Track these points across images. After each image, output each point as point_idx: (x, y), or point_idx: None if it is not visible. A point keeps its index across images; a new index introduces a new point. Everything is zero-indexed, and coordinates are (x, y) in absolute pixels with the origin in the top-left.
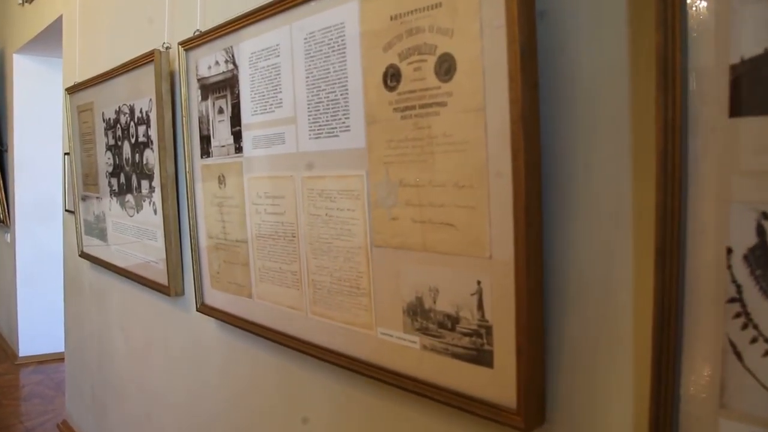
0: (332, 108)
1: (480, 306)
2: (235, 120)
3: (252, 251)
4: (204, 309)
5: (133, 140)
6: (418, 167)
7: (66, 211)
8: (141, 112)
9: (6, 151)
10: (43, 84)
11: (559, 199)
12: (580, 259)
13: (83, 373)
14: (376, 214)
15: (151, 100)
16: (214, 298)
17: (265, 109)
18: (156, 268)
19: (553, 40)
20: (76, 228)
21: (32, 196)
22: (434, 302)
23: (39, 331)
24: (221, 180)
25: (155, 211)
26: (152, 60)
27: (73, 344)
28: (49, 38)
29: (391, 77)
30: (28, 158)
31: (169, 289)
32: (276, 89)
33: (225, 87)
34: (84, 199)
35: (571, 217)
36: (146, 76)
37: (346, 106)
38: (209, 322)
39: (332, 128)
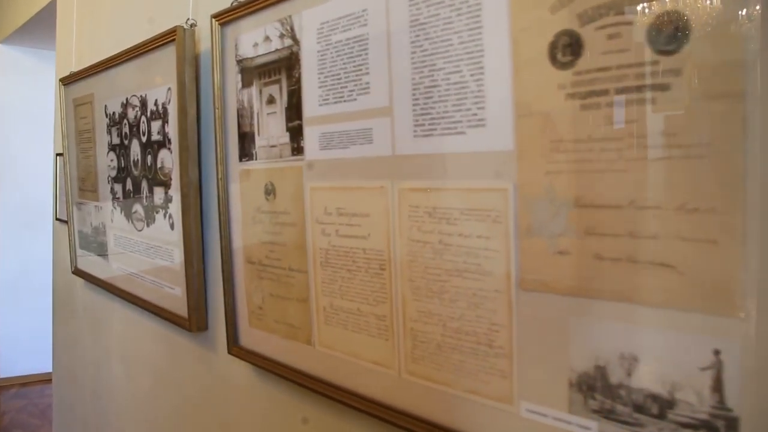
0: (455, 94)
1: (717, 387)
2: (294, 112)
3: (314, 284)
4: (238, 352)
5: (144, 138)
6: (611, 180)
7: (57, 219)
8: (156, 104)
9: None
10: (32, 78)
11: None
12: None
13: (74, 406)
14: (528, 244)
15: (170, 89)
16: (253, 339)
17: (342, 97)
18: (171, 295)
19: None
20: (70, 240)
21: (18, 200)
22: (628, 375)
23: (23, 349)
24: (269, 190)
25: (172, 226)
26: (173, 40)
27: (61, 373)
28: (40, 26)
29: (564, 49)
30: (14, 158)
31: (189, 323)
32: (360, 69)
33: (279, 69)
34: (79, 207)
35: None
36: (164, 60)
37: (479, 91)
38: (243, 368)
39: (455, 122)
